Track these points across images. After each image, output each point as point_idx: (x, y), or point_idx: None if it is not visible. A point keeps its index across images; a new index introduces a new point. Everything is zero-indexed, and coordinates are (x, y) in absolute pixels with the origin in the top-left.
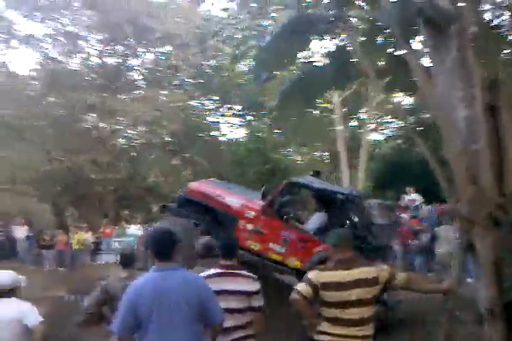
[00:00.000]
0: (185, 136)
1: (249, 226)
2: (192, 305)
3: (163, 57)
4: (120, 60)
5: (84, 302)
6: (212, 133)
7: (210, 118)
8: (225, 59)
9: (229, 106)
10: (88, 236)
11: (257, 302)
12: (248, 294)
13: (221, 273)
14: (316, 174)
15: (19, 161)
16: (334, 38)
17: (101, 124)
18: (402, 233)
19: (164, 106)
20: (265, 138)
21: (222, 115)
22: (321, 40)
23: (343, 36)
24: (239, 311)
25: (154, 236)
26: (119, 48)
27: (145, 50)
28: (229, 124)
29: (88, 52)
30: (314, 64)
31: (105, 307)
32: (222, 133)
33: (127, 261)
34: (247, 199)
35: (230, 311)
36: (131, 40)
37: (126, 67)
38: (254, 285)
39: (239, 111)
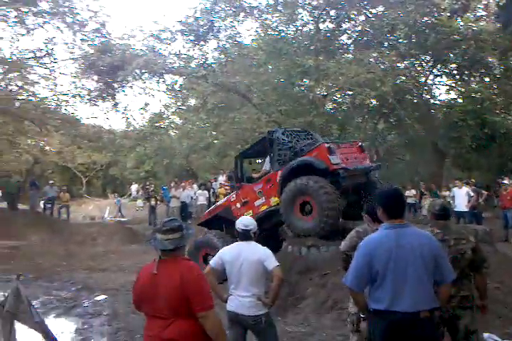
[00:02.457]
0: (395, 98)
1: (238, 205)
2: (427, 262)
3: (375, 18)
4: (333, 25)
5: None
6: (423, 94)
7: (422, 79)
8: (442, 14)
9: (443, 65)
10: None
11: None
12: None
13: None
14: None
15: (244, 123)
16: None
17: (316, 88)
18: None
19: (376, 68)
20: (483, 98)
21: (436, 75)
22: None
23: None
24: None
25: (387, 195)
26: (333, 13)
27: (357, 13)
28: (442, 85)
29: (306, 20)
30: None
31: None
32: (434, 94)
33: (375, 214)
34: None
35: None
36: (345, 3)
37: (339, 31)
38: None
39: (453, 70)
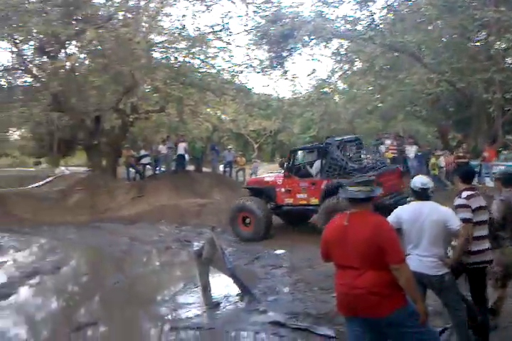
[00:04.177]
0: None
1: (283, 190)
2: None
3: None
4: None
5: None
6: None
7: None
8: None
9: None
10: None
11: None
12: None
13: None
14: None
15: (414, 84)
16: None
17: (496, 42)
18: None
19: None
20: None
21: None
22: None
23: None
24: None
25: None
26: None
27: None
28: None
29: None
30: None
31: None
32: None
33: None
34: (278, 173)
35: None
36: None
37: None
38: None
39: None
